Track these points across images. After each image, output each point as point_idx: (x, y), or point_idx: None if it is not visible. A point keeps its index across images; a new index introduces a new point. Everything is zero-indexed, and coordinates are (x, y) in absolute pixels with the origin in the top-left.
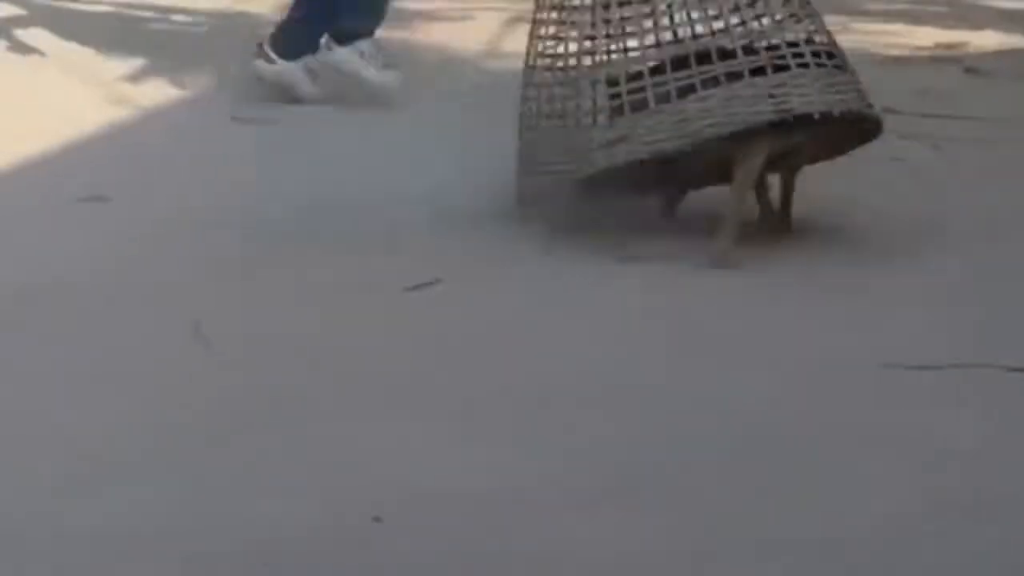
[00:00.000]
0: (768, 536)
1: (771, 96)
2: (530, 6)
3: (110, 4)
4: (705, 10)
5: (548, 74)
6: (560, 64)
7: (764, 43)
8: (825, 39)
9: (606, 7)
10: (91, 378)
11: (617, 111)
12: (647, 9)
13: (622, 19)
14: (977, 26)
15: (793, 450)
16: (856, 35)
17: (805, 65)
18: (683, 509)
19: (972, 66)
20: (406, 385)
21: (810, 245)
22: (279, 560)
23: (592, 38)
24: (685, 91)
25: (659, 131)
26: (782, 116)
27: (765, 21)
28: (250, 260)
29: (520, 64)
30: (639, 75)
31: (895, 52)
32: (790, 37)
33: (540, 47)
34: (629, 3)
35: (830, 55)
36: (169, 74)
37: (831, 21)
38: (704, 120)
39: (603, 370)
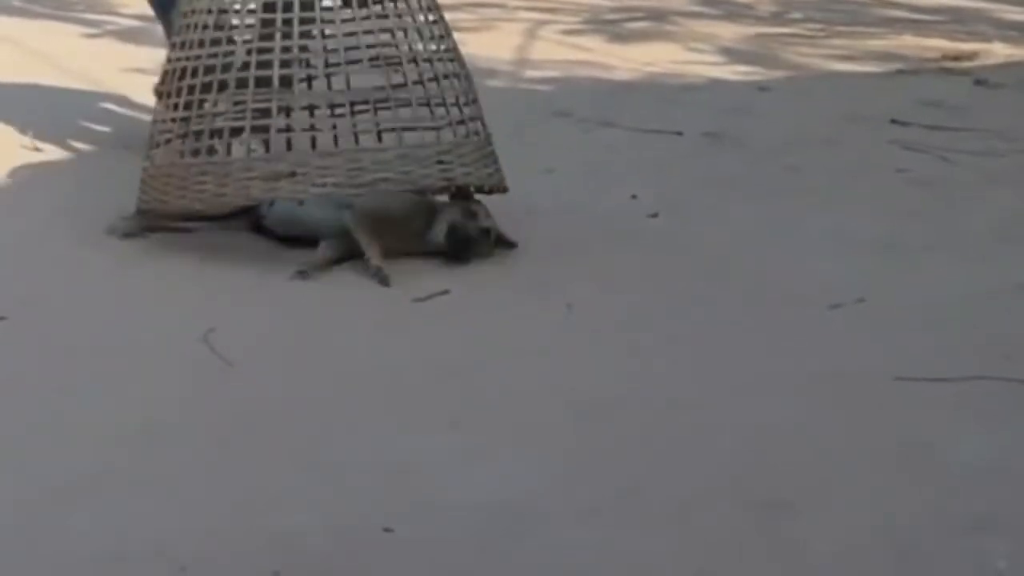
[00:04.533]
0: (776, 547)
1: (439, 162)
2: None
3: None
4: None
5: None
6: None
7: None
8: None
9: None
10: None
11: (283, 143)
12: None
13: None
14: (986, 38)
15: (803, 462)
16: (866, 46)
17: (466, 134)
18: (688, 521)
19: (981, 78)
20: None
21: (814, 258)
22: (288, 566)
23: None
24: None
25: (331, 175)
26: (447, 184)
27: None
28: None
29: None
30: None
31: (904, 63)
32: (451, 96)
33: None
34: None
35: (482, 121)
36: None
37: (843, 31)
38: (378, 173)
39: (606, 381)
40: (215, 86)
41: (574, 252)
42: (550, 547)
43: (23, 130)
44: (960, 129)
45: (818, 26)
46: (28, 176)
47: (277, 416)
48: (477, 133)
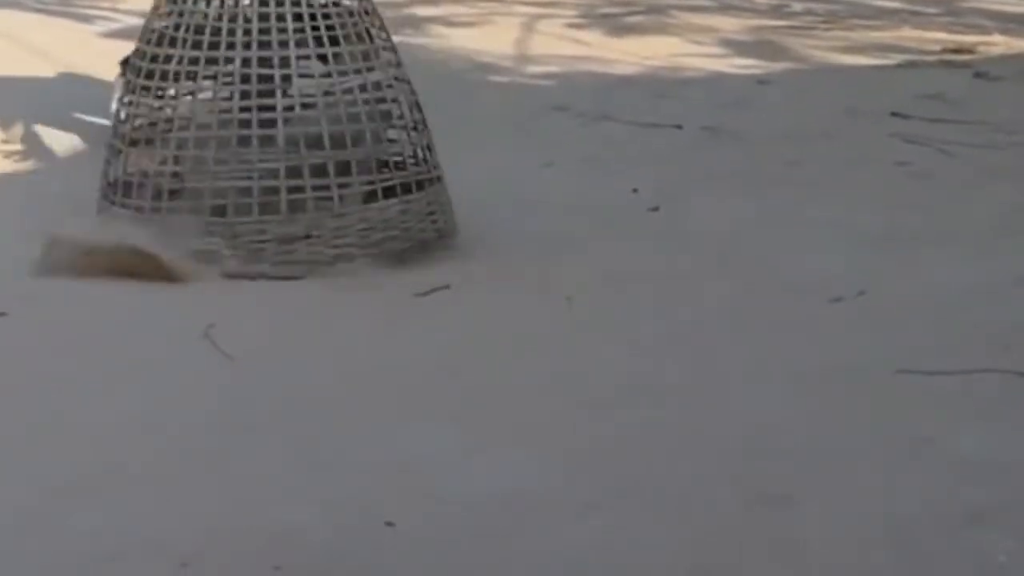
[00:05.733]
0: (775, 541)
1: (430, 214)
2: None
3: None
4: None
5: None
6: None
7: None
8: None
9: None
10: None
11: (297, 205)
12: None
13: None
14: (985, 31)
15: (803, 455)
16: (866, 39)
17: (438, 179)
18: (686, 514)
19: (980, 70)
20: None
21: (815, 251)
22: (289, 562)
23: None
24: (368, 196)
25: (346, 235)
26: (438, 235)
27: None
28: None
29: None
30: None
31: (904, 57)
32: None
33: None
34: None
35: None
36: None
37: (843, 24)
38: (386, 232)
39: (606, 376)
40: (214, 142)
41: (574, 246)
42: (550, 541)
43: (22, 125)
44: (960, 122)
45: (818, 19)
46: (28, 173)
47: (278, 412)
48: (441, 179)
